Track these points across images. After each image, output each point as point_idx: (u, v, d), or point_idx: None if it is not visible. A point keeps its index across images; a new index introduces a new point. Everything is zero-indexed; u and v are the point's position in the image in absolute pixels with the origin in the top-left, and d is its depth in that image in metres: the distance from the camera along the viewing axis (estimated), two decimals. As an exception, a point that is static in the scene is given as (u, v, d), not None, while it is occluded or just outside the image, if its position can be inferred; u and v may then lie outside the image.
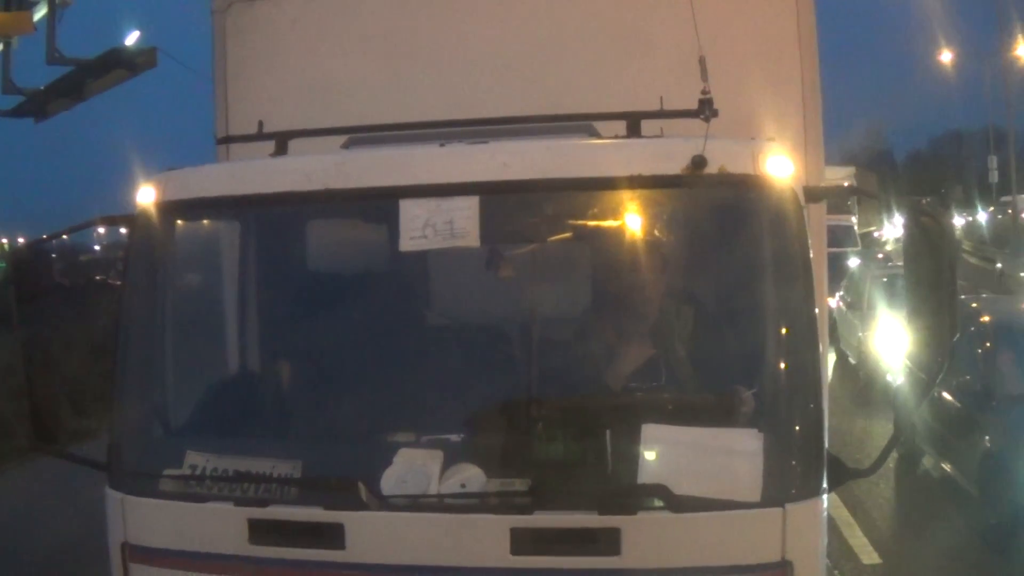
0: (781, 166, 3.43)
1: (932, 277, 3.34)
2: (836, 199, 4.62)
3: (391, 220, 3.55)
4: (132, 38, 13.71)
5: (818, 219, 4.92)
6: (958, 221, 58.45)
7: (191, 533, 3.61)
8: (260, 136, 4.17)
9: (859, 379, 15.29)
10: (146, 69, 11.94)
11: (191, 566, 3.60)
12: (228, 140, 4.49)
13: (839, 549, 8.43)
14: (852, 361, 16.40)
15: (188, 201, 3.86)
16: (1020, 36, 38.50)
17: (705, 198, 3.57)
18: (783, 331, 3.49)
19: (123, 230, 4.14)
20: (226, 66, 5.53)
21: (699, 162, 3.37)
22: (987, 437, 8.60)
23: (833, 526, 8.95)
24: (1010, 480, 7.99)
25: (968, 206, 56.98)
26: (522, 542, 3.28)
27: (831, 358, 16.98)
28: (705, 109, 3.53)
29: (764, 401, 3.44)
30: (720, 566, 3.24)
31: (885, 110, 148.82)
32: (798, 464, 3.34)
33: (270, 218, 4.14)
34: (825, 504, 3.39)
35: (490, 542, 3.30)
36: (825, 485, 3.37)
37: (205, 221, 4.30)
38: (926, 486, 10.49)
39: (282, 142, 4.10)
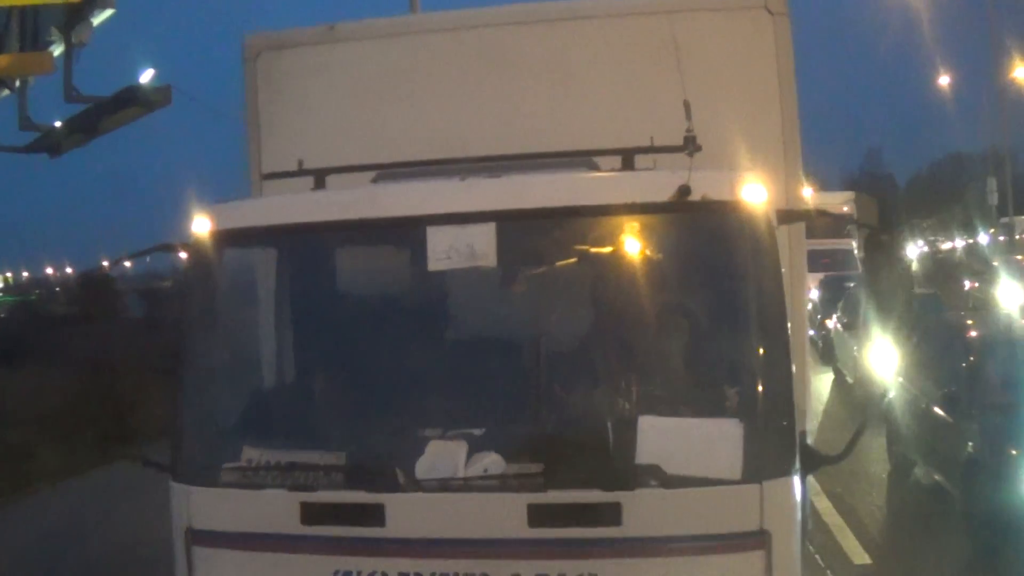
0: (756, 193, 3.92)
1: (890, 280, 3.93)
2: (805, 221, 5.13)
3: (420, 244, 4.02)
4: (147, 76, 14.03)
5: (797, 238, 5.46)
6: (959, 243, 58.76)
7: (249, 517, 4.03)
8: (301, 172, 4.68)
9: (855, 396, 15.73)
10: (161, 106, 12.34)
11: (249, 546, 4.03)
12: (273, 176, 4.95)
13: (831, 551, 8.82)
14: (849, 380, 16.78)
15: (240, 230, 4.36)
16: (1018, 59, 38.75)
17: (691, 222, 4.05)
18: (759, 337, 3.98)
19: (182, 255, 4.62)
20: (257, 108, 6.05)
21: (685, 191, 3.86)
22: (969, 443, 8.99)
23: (826, 530, 9.40)
24: (991, 483, 8.40)
25: (969, 228, 57.20)
26: (538, 516, 3.72)
27: (829, 377, 17.43)
28: (689, 145, 4.05)
29: (743, 396, 3.95)
30: (708, 534, 3.71)
31: (887, 135, 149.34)
32: (772, 448, 3.81)
33: (312, 244, 4.59)
34: (798, 483, 3.85)
35: (510, 516, 3.75)
36: (798, 466, 3.85)
37: (254, 247, 4.74)
38: (916, 493, 10.87)
39: (320, 178, 4.62)
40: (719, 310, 4.29)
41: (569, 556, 3.73)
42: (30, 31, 11.62)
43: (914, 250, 63.15)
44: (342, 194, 4.40)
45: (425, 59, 5.84)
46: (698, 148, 4.08)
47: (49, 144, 12.38)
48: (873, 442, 12.74)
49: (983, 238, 49.51)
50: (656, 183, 3.98)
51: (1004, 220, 45.32)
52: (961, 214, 62.44)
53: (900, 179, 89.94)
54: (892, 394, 12.01)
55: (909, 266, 4.16)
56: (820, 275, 23.08)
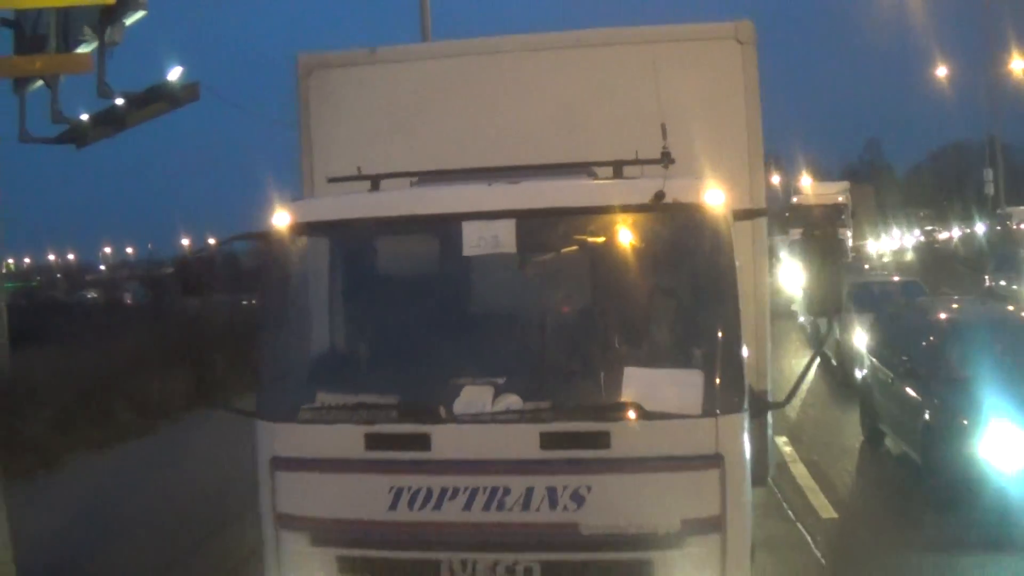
0: (715, 196, 4.94)
1: (823, 269, 5.09)
2: (758, 218, 6.07)
3: (456, 235, 4.97)
4: (175, 73, 14.64)
5: (759, 231, 6.59)
6: (956, 232, 59.39)
7: (323, 446, 4.94)
8: (360, 177, 5.67)
9: (837, 376, 16.80)
10: (189, 102, 13.17)
11: (322, 468, 4.95)
12: (336, 180, 5.89)
13: (803, 509, 9.86)
14: (834, 363, 17.85)
15: (316, 222, 5.37)
16: (1016, 51, 39.10)
17: (666, 219, 5.05)
18: (716, 309, 5.00)
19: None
20: (310, 120, 7.09)
21: (660, 195, 4.88)
22: (927, 413, 10.10)
23: (800, 491, 10.52)
24: (945, 448, 9.49)
25: (967, 218, 57.76)
26: (547, 441, 4.69)
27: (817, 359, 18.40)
28: (664, 159, 5.08)
29: (705, 353, 4.97)
30: (676, 456, 4.72)
31: (887, 125, 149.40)
32: (725, 391, 4.82)
33: (371, 233, 5.58)
34: (746, 420, 4.86)
35: (526, 442, 4.71)
36: (746, 407, 4.85)
37: (324, 235, 5.67)
38: (884, 461, 11.96)
39: (376, 181, 5.62)
40: (687, 287, 5.34)
41: (571, 472, 4.71)
42: (62, 29, 12.38)
43: (910, 239, 64.05)
44: (396, 195, 5.45)
45: (452, 80, 6.90)
46: (672, 161, 5.08)
47: (76, 136, 13.14)
48: (849, 416, 13.86)
49: (979, 228, 50.05)
50: (639, 189, 4.97)
51: (1000, 211, 45.78)
52: (959, 204, 63.05)
53: (900, 169, 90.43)
54: (865, 371, 13.13)
55: (843, 258, 5.32)
56: None
